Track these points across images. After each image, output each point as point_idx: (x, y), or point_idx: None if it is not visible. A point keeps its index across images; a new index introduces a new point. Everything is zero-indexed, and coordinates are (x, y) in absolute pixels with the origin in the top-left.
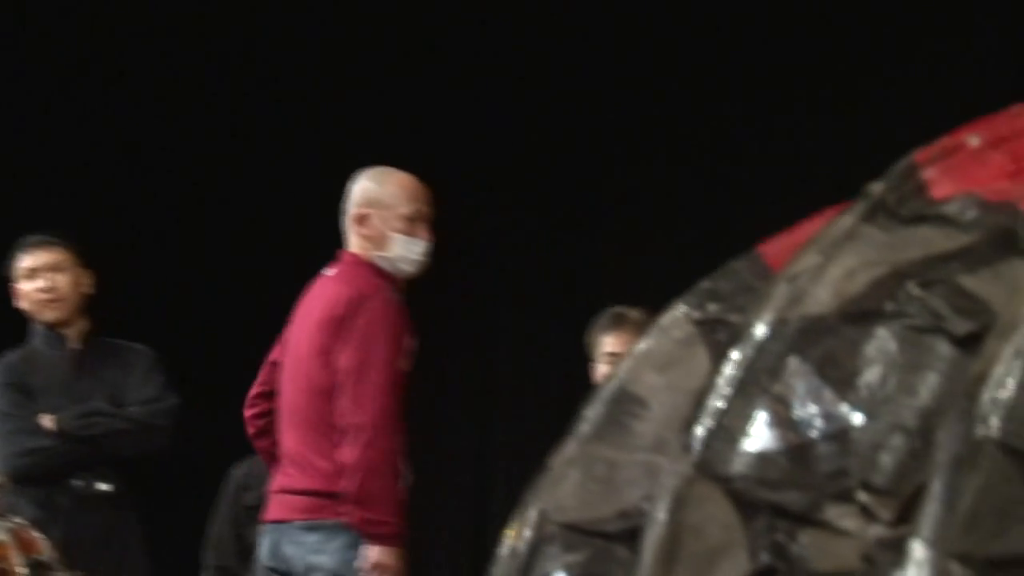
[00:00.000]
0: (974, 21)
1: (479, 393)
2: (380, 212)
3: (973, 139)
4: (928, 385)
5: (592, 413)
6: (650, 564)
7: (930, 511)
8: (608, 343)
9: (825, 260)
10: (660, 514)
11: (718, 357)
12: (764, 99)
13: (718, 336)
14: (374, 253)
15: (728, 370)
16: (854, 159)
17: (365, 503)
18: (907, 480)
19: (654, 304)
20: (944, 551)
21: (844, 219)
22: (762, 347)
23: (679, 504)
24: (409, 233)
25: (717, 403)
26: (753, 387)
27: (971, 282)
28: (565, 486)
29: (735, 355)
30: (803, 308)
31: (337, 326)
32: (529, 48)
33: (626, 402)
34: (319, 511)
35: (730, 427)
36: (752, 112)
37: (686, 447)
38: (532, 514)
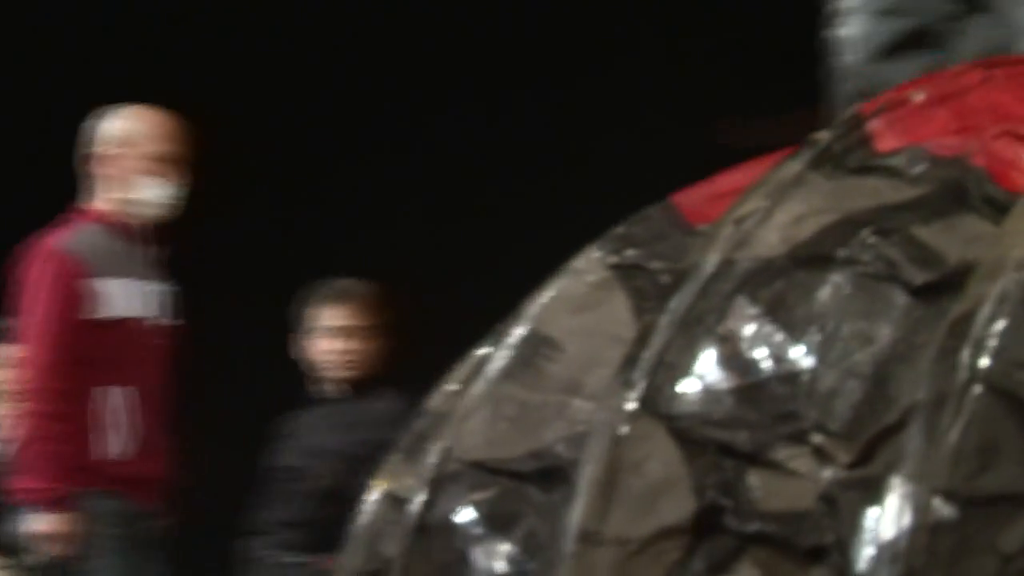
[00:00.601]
0: None
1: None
2: (123, 152)
3: (917, 95)
4: (883, 333)
5: (501, 354)
6: (587, 501)
7: (913, 448)
8: (329, 316)
9: (772, 205)
10: (597, 451)
11: (639, 302)
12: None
13: (637, 282)
14: (116, 195)
15: (671, 308)
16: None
17: (24, 471)
18: (864, 425)
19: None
20: (928, 487)
21: (790, 165)
22: (708, 287)
23: (618, 441)
24: (155, 174)
25: (659, 341)
26: (698, 326)
27: (925, 233)
28: (471, 425)
29: (679, 295)
30: (751, 250)
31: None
32: (257, 19)
33: (538, 344)
34: None
35: (674, 365)
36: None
37: (627, 383)
38: (434, 453)
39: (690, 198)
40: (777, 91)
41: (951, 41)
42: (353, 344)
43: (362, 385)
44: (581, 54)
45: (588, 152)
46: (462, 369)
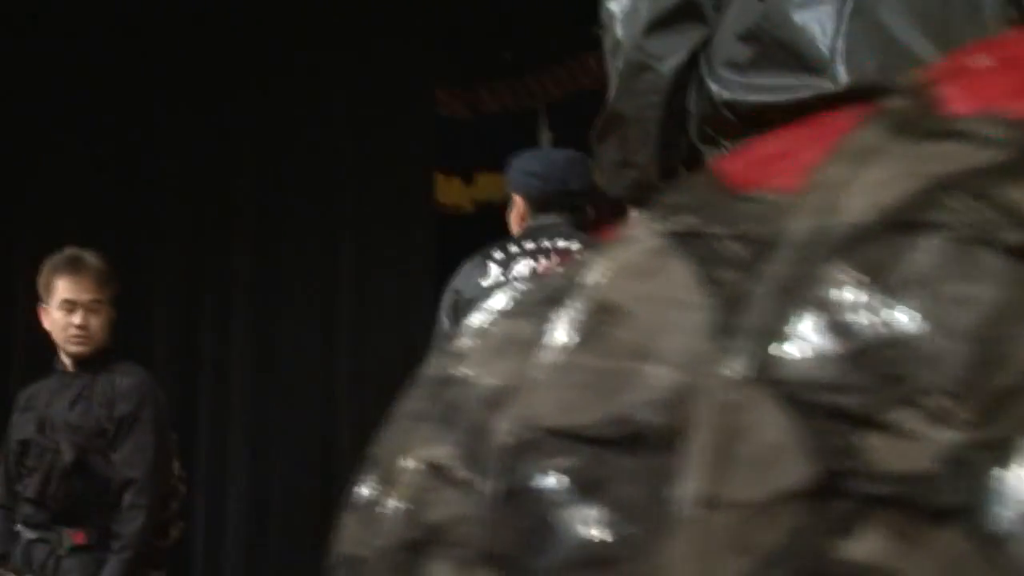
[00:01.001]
0: None
1: None
2: None
3: (979, 59)
4: (985, 295)
5: (561, 321)
6: (700, 466)
7: None
8: (63, 288)
9: (854, 171)
10: (703, 417)
11: (703, 268)
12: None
13: (696, 248)
14: None
15: (766, 275)
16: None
17: None
18: (979, 386)
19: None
20: None
21: (865, 132)
22: (801, 253)
23: (723, 407)
24: None
25: (758, 308)
26: (796, 293)
27: (1013, 195)
28: (543, 393)
29: (772, 262)
30: (840, 216)
31: None
32: None
33: (603, 311)
34: None
35: (775, 331)
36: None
37: (727, 350)
38: (504, 419)
39: (732, 164)
40: (492, 60)
41: (715, 17)
42: (86, 317)
43: (97, 358)
44: (293, 32)
45: (305, 131)
46: (481, 337)
